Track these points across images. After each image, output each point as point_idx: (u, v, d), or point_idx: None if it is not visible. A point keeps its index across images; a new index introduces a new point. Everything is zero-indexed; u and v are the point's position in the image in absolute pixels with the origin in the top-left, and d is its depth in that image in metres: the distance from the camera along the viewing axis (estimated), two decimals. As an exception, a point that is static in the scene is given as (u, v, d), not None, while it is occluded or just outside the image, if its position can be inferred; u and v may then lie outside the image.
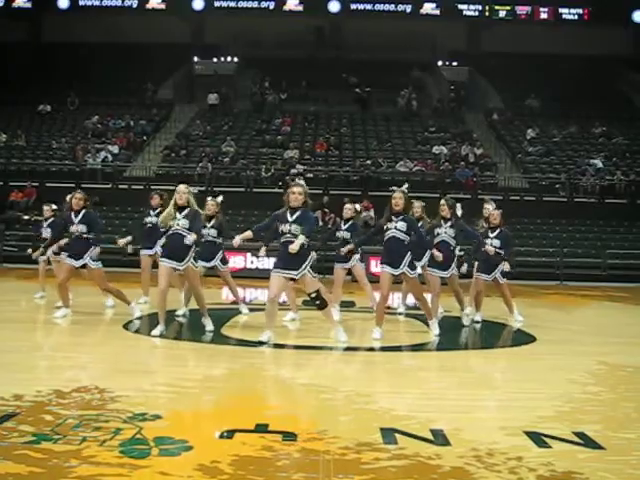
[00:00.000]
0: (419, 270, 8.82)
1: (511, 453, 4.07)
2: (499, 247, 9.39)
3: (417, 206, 9.67)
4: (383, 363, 7.31)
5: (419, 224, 8.91)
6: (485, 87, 30.35)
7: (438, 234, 8.97)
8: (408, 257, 8.00)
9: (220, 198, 9.74)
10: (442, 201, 9.21)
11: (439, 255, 8.60)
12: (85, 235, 8.91)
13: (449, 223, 9.02)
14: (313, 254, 7.89)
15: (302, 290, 8.32)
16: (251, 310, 10.12)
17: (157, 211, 9.89)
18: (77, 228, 8.94)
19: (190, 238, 7.80)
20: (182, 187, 8.10)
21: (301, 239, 7.41)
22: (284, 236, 7.58)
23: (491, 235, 9.50)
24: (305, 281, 7.74)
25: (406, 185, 8.37)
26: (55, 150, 25.24)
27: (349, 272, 9.88)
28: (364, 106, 29.44)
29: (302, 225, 7.52)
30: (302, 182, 7.94)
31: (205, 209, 9.43)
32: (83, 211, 9.01)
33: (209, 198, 9.72)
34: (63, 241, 9.48)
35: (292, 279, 7.81)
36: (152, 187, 14.19)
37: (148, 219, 10.27)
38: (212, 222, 9.50)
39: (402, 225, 7.96)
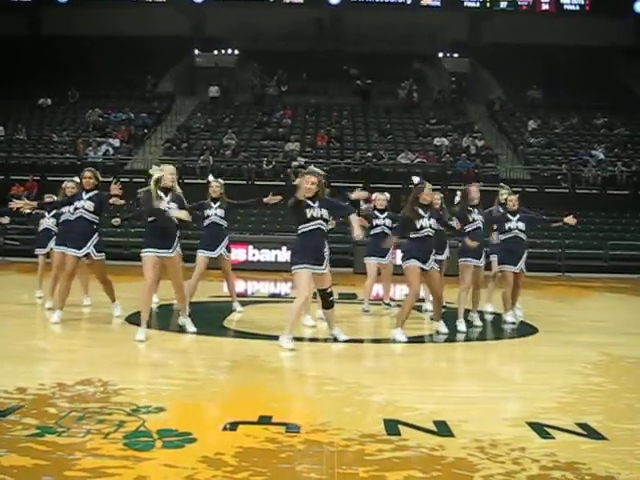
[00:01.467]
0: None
1: (514, 444, 4.08)
2: (524, 230, 9.10)
3: (437, 197, 9.09)
4: (386, 355, 7.31)
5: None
6: (486, 78, 30.29)
7: (474, 220, 8.59)
8: (434, 252, 7.81)
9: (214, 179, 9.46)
10: (474, 188, 8.79)
11: (474, 244, 8.32)
12: (89, 217, 8.22)
13: (477, 210, 8.68)
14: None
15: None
16: (252, 303, 10.10)
17: None
18: (83, 204, 8.20)
19: (174, 212, 7.27)
20: (171, 168, 7.56)
21: (355, 218, 7.14)
22: (314, 222, 7.04)
23: (513, 218, 9.10)
24: (325, 276, 7.22)
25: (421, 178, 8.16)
26: (56, 144, 25.22)
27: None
28: (365, 98, 29.40)
29: (330, 209, 7.14)
30: (318, 170, 7.37)
31: (210, 191, 9.23)
32: (94, 191, 8.28)
33: (211, 179, 9.41)
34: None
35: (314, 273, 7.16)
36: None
37: None
38: (218, 203, 9.19)
39: (434, 222, 7.73)
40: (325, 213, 7.11)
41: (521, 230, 9.11)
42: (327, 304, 7.42)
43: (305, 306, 7.62)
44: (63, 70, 28.03)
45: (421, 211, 7.72)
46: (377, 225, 9.77)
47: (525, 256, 9.20)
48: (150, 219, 7.44)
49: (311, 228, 7.07)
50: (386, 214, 9.83)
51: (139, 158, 24.81)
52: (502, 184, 10.45)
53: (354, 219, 7.18)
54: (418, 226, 7.69)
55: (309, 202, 7.10)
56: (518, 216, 9.18)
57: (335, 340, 7.38)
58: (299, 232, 7.16)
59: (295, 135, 25.93)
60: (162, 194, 7.40)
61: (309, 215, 7.04)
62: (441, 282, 8.13)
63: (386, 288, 10.35)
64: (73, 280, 8.49)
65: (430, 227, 7.71)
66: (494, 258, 9.63)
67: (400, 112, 28.66)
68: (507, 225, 9.11)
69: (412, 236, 7.76)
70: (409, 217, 7.78)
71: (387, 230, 9.55)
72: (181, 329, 7.87)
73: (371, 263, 9.89)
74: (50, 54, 28.58)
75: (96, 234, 8.32)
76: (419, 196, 7.76)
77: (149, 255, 7.35)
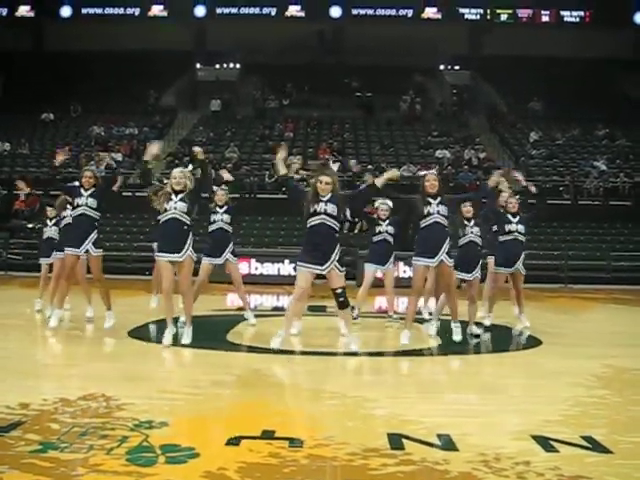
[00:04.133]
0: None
1: (518, 458, 4.06)
2: (523, 233, 9.20)
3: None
4: (389, 368, 7.30)
5: None
6: (487, 90, 30.38)
7: (465, 235, 8.75)
8: (447, 244, 7.72)
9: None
10: (466, 202, 8.93)
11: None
12: (91, 213, 8.40)
13: (473, 222, 8.81)
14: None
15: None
16: (256, 316, 10.04)
17: None
18: (85, 201, 8.39)
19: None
20: (176, 172, 7.64)
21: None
22: (318, 216, 7.10)
23: (513, 220, 9.19)
24: (332, 275, 7.22)
25: (437, 168, 8.21)
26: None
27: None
28: (370, 111, 29.42)
29: (339, 204, 7.17)
30: (331, 169, 7.58)
31: (215, 200, 9.24)
32: (94, 188, 8.48)
33: (216, 188, 9.46)
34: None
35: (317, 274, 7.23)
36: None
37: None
38: (224, 208, 9.24)
39: (443, 209, 7.70)
40: (331, 208, 7.11)
41: (520, 232, 9.21)
42: (339, 304, 7.40)
43: (299, 305, 7.67)
44: (65, 85, 28.18)
45: (430, 200, 7.74)
46: (379, 232, 9.77)
47: (522, 257, 9.29)
48: (161, 220, 7.58)
49: (314, 223, 7.13)
50: (388, 221, 9.84)
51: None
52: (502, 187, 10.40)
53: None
54: (425, 212, 7.71)
55: (320, 196, 7.15)
56: (518, 218, 9.26)
57: (346, 347, 7.42)
58: (307, 227, 7.23)
59: (297, 148, 25.98)
60: (173, 195, 7.52)
61: (312, 210, 7.12)
62: (451, 276, 8.01)
63: (389, 299, 10.10)
64: (72, 280, 8.70)
65: (438, 214, 7.69)
66: (491, 259, 9.62)
67: (402, 125, 28.74)
68: (507, 227, 9.19)
69: (422, 225, 7.79)
70: (420, 210, 7.77)
71: (389, 237, 9.61)
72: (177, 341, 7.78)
73: (369, 270, 9.88)
74: (53, 69, 28.76)
75: (96, 231, 8.47)
76: (424, 186, 7.82)
77: (161, 260, 7.57)
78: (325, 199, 7.12)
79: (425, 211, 7.71)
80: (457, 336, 8.10)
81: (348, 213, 17.79)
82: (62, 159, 9.29)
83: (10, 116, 27.35)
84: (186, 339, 7.71)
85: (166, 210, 7.50)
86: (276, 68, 29.57)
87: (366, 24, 31.66)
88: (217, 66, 31.80)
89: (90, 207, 8.43)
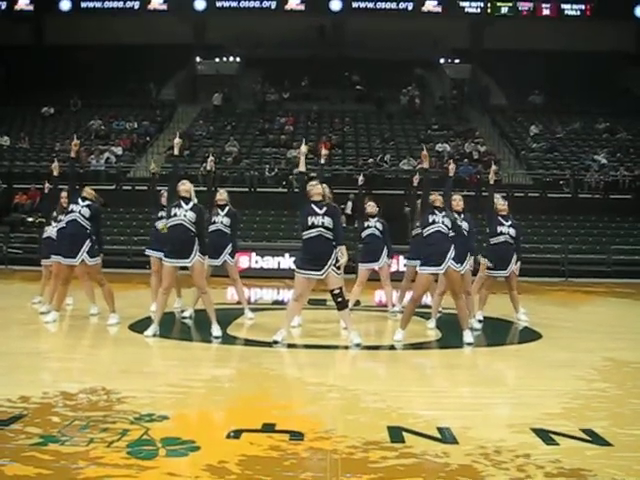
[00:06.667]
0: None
1: (519, 450, 4.07)
2: (513, 236, 9.25)
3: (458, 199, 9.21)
4: (390, 362, 7.30)
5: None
6: (488, 84, 30.31)
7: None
8: (452, 252, 7.69)
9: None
10: (456, 196, 8.96)
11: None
12: (83, 222, 8.54)
13: (462, 216, 8.80)
14: (342, 248, 7.49)
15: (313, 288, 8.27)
16: (255, 310, 10.07)
17: None
18: (80, 209, 8.55)
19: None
20: (186, 182, 8.03)
21: (343, 249, 7.40)
22: (315, 229, 7.33)
23: (505, 223, 9.26)
24: (328, 278, 7.41)
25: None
26: (58, 152, 25.22)
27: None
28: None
29: (334, 219, 7.38)
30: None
31: (217, 199, 9.30)
32: (90, 202, 8.69)
33: (220, 190, 9.60)
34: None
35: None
36: (156, 188, 14.03)
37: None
38: (225, 210, 9.28)
39: (447, 222, 7.75)
40: (328, 221, 7.34)
41: (511, 236, 9.27)
42: (338, 305, 7.54)
43: (296, 305, 7.81)
44: (66, 79, 28.10)
45: (436, 211, 7.83)
46: (368, 227, 9.79)
47: (514, 259, 9.33)
48: (168, 225, 7.83)
49: (312, 235, 7.36)
50: (377, 218, 9.89)
51: (142, 166, 24.82)
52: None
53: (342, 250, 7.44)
54: (430, 220, 7.76)
55: (315, 208, 7.36)
56: (510, 221, 9.32)
57: (350, 342, 7.44)
58: (303, 238, 7.46)
59: (297, 142, 25.92)
60: (182, 202, 7.81)
61: (310, 222, 7.34)
62: (459, 281, 7.97)
63: (387, 292, 10.13)
64: (69, 285, 8.84)
65: (443, 224, 7.73)
66: (484, 261, 9.60)
67: (402, 118, 28.69)
68: (499, 229, 9.25)
69: (425, 234, 7.82)
70: (425, 206, 7.91)
71: (378, 234, 9.72)
72: (185, 336, 7.86)
73: (362, 270, 9.89)
74: (53, 63, 28.64)
75: (89, 240, 8.58)
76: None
77: (168, 264, 7.78)
78: (322, 211, 7.34)
79: (431, 219, 7.78)
80: (468, 338, 7.87)
81: (349, 206, 17.65)
82: (77, 149, 9.33)
83: (10, 110, 27.32)
84: (216, 332, 7.91)
85: (175, 215, 7.72)
86: (276, 62, 29.48)
87: (366, 18, 31.55)
88: (217, 60, 31.67)
89: (83, 216, 8.59)
